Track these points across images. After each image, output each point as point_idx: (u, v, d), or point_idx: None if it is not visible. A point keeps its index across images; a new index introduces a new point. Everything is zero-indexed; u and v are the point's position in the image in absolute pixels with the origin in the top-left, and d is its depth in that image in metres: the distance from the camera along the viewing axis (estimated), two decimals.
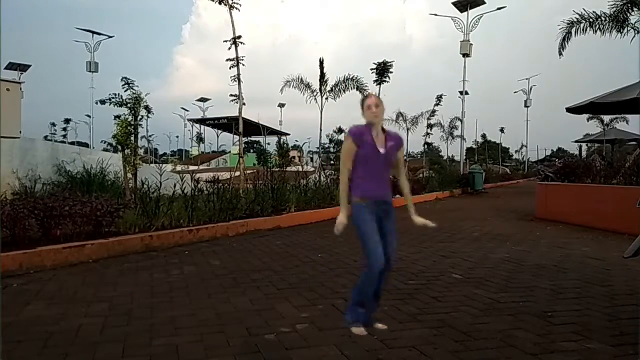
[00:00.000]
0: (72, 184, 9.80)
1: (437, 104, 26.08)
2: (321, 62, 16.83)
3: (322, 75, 17.04)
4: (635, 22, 12.40)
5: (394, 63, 17.78)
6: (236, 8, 11.81)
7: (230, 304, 4.06)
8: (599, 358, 2.92)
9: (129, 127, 9.09)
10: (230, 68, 11.90)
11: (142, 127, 10.38)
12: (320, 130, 18.59)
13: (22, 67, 40.96)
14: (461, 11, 27.20)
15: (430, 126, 28.48)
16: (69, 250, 5.56)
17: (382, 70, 17.66)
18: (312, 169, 22.13)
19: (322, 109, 17.78)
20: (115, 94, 9.30)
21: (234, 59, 11.82)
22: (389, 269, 2.90)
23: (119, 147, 9.45)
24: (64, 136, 63.52)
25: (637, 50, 12.63)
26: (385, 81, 17.92)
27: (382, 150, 2.89)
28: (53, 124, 65.87)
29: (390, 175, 3.03)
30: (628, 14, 12.37)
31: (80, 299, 4.20)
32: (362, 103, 2.98)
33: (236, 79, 11.91)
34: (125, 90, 9.33)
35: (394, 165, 3.02)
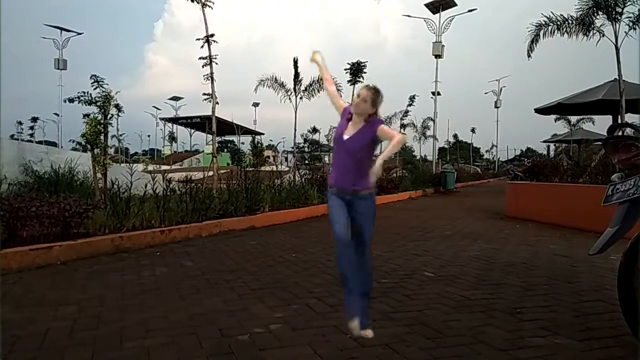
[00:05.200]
0: (40, 184, 9.53)
1: (410, 105, 26.50)
2: (295, 62, 16.81)
3: (297, 74, 17.03)
4: (600, 26, 12.78)
5: (367, 63, 17.91)
6: (209, 6, 11.72)
7: (203, 305, 4.02)
8: (566, 353, 2.99)
9: (98, 126, 8.92)
10: (203, 67, 11.81)
11: (113, 126, 10.17)
12: (295, 130, 18.61)
13: None
14: (433, 13, 27.61)
15: (403, 126, 28.93)
16: (36, 252, 5.40)
17: (356, 71, 17.75)
18: (287, 168, 22.07)
19: (296, 109, 17.79)
20: (84, 92, 9.11)
21: (207, 57, 11.73)
22: (359, 263, 2.95)
23: (89, 146, 9.26)
24: (31, 135, 62.04)
25: (601, 52, 13.03)
26: (359, 81, 18.01)
27: (345, 137, 2.84)
28: (20, 123, 64.17)
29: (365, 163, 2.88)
30: (594, 18, 12.74)
31: (48, 302, 4.09)
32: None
33: (209, 78, 11.82)
34: (95, 89, 9.14)
35: (362, 153, 2.88)
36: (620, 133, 4.50)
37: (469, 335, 3.28)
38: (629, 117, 14.99)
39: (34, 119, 63.29)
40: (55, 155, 11.73)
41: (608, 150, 3.41)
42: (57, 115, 42.94)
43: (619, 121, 12.93)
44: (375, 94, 2.89)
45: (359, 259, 2.98)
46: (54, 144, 44.98)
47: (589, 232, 7.83)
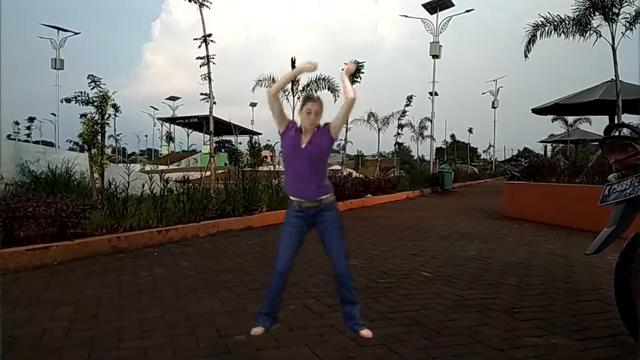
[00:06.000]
0: (36, 184, 9.51)
1: (407, 105, 26.44)
2: (293, 62, 16.77)
3: None
4: (597, 26, 12.79)
5: (365, 63, 17.89)
6: (206, 6, 11.73)
7: (201, 305, 4.02)
8: (563, 352, 3.00)
9: (95, 126, 8.91)
10: (200, 66, 11.81)
11: (110, 126, 10.15)
12: None
13: None
14: (431, 13, 27.68)
15: (401, 126, 28.86)
16: (32, 253, 5.39)
17: (354, 71, 17.70)
18: (284, 168, 22.03)
19: (293, 109, 17.70)
20: (81, 92, 9.10)
21: (204, 57, 11.74)
22: (340, 276, 2.96)
23: (86, 146, 9.24)
24: (28, 135, 61.62)
25: (599, 52, 13.04)
26: (356, 81, 17.99)
27: (302, 145, 2.79)
28: (16, 123, 63.82)
29: (323, 173, 2.91)
30: (590, 18, 12.75)
31: (46, 302, 4.08)
32: (303, 102, 2.87)
33: (207, 78, 11.82)
34: (92, 89, 9.13)
35: (323, 159, 2.89)
36: (617, 133, 4.51)
37: (466, 335, 3.29)
38: (626, 118, 15.04)
39: (31, 119, 62.87)
40: (52, 155, 11.67)
41: (605, 151, 3.41)
42: (54, 115, 42.81)
43: (616, 121, 12.96)
44: (322, 104, 2.88)
45: (344, 278, 2.97)
46: (50, 144, 44.89)
47: (585, 232, 7.85)
